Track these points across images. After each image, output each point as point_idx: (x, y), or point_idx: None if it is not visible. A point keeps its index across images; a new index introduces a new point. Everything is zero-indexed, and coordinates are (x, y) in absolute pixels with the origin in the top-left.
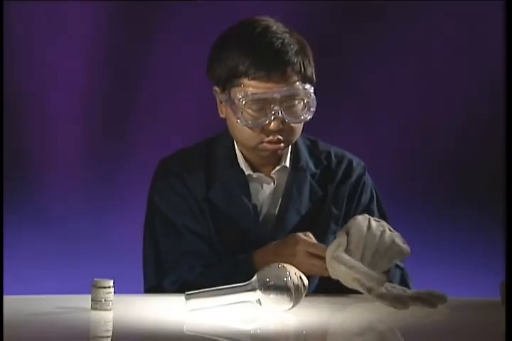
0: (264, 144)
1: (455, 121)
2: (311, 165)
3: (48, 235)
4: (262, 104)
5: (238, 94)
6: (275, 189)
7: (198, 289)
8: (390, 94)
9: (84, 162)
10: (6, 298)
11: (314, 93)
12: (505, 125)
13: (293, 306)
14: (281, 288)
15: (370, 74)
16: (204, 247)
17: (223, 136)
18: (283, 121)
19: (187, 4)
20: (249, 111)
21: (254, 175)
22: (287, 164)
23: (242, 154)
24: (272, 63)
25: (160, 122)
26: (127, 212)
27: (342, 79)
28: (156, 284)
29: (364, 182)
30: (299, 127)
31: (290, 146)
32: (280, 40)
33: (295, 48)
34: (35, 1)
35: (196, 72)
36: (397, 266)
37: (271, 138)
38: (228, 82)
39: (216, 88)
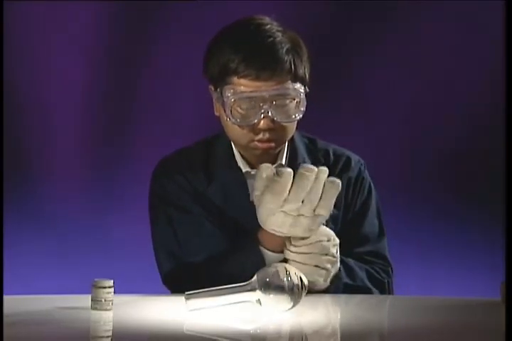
0: (255, 143)
1: (455, 121)
2: (309, 163)
3: (47, 235)
4: (252, 103)
5: (227, 92)
6: None
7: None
8: (390, 94)
9: (84, 162)
10: (6, 298)
11: (306, 93)
12: (506, 125)
13: (293, 306)
14: (281, 288)
15: (370, 74)
16: (222, 235)
17: (222, 134)
18: (273, 120)
19: (187, 4)
20: (239, 110)
21: (252, 171)
22: (284, 162)
23: (240, 152)
24: (261, 62)
25: (160, 122)
26: (127, 211)
27: (342, 79)
28: (175, 267)
29: (362, 180)
30: (290, 126)
31: (287, 144)
32: (271, 39)
33: (286, 47)
34: (35, 1)
35: (196, 72)
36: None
37: (260, 136)
38: (220, 79)
39: (211, 86)
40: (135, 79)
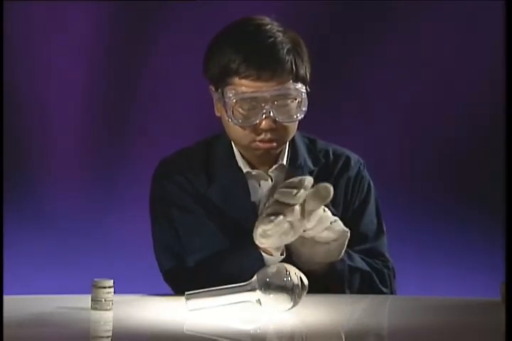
0: (256, 143)
1: (455, 121)
2: (309, 163)
3: (47, 235)
4: (254, 103)
5: (229, 93)
6: (273, 187)
7: (217, 276)
8: (390, 94)
9: (84, 162)
10: (6, 298)
11: (308, 92)
12: (506, 125)
13: (293, 306)
14: (281, 288)
15: (370, 74)
16: (223, 235)
17: (223, 135)
18: (275, 120)
19: (187, 4)
20: (240, 110)
21: (253, 172)
22: (284, 162)
23: (240, 152)
24: (262, 62)
25: (160, 122)
26: (127, 211)
27: (342, 79)
28: (175, 265)
29: (361, 179)
30: (292, 126)
31: (288, 145)
32: (272, 39)
33: (287, 47)
34: (35, 1)
35: (196, 72)
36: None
37: (262, 137)
38: (220, 80)
39: (211, 87)
40: (135, 79)
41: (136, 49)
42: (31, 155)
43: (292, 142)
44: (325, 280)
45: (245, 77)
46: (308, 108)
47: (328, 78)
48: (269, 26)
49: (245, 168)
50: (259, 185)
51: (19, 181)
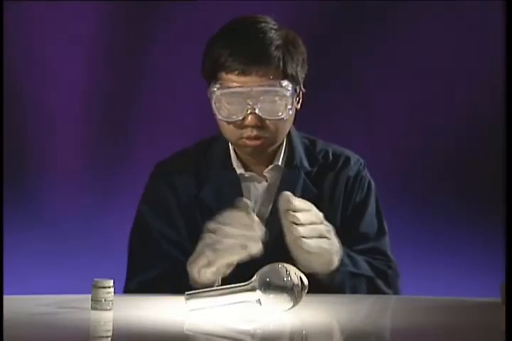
0: (243, 140)
1: (455, 121)
2: (306, 164)
3: (47, 235)
4: (239, 99)
5: (214, 88)
6: (268, 188)
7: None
8: (390, 94)
9: (84, 162)
10: (6, 298)
11: (301, 92)
12: (505, 125)
13: (293, 306)
14: (281, 288)
15: (370, 74)
16: (176, 254)
17: (221, 136)
18: (261, 117)
19: (186, 4)
20: (226, 105)
21: (246, 174)
22: (280, 163)
23: (236, 153)
24: (247, 56)
25: (160, 122)
26: (127, 211)
27: (342, 79)
28: (125, 285)
29: (361, 178)
30: (281, 125)
31: (285, 145)
32: (262, 35)
33: (277, 43)
34: (35, 1)
35: (196, 72)
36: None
37: (249, 133)
38: (211, 76)
39: (207, 84)
40: (135, 79)
41: (136, 49)
42: (31, 155)
43: (290, 143)
44: (327, 287)
45: (231, 72)
46: (307, 108)
47: (328, 78)
48: (263, 24)
49: (239, 170)
50: (254, 186)
51: (19, 181)
